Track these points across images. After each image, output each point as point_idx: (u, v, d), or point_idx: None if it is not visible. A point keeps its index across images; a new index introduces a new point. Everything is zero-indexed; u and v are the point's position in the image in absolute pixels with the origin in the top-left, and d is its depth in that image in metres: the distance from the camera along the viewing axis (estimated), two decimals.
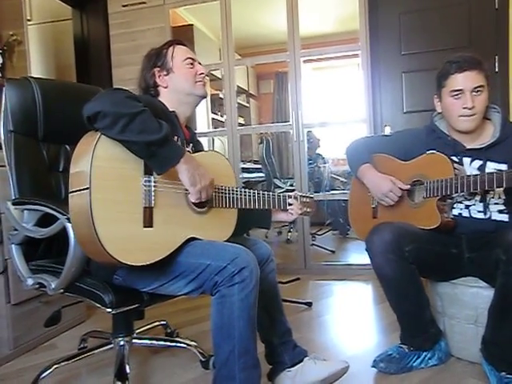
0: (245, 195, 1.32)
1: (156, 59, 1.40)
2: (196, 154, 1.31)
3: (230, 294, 1.09)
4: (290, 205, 1.41)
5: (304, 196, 1.46)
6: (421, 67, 2.79)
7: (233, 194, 1.30)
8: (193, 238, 1.20)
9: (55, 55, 3.61)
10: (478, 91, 1.44)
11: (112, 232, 1.05)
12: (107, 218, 1.05)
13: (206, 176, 1.18)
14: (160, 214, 1.13)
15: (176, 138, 1.30)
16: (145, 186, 1.12)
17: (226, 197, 1.28)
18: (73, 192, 1.06)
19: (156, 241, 1.12)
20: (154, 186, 1.13)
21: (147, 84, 1.40)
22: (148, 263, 1.09)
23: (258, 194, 1.35)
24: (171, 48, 1.41)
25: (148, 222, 1.11)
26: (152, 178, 1.13)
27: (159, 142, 1.08)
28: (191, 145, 1.42)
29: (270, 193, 1.38)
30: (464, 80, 1.44)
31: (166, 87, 1.39)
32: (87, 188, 1.03)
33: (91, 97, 1.10)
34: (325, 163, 4.28)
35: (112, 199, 1.06)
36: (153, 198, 1.13)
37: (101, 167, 1.05)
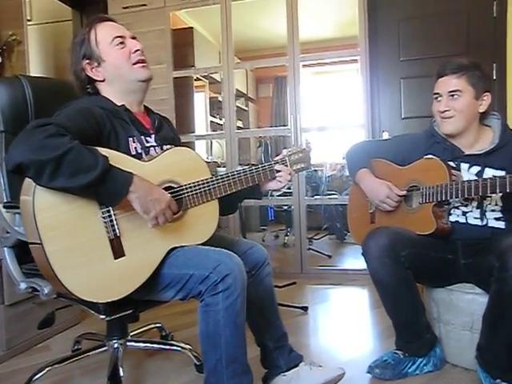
0: (222, 181, 1.20)
1: (81, 49, 1.22)
2: (159, 156, 1.18)
3: (215, 303, 1.07)
4: (277, 171, 1.30)
5: (293, 153, 1.33)
6: (419, 73, 2.80)
7: (207, 185, 1.19)
8: (175, 247, 1.15)
9: (54, 56, 3.61)
10: (453, 95, 1.47)
11: (80, 278, 1.02)
12: (71, 266, 1.01)
13: (161, 199, 1.07)
14: (130, 239, 1.08)
15: (131, 138, 1.21)
16: (104, 218, 1.05)
17: (200, 192, 1.18)
18: (30, 243, 1.03)
19: (132, 268, 1.08)
20: (115, 215, 1.06)
21: (81, 81, 1.25)
22: (130, 292, 1.07)
23: (239, 174, 1.23)
24: (92, 31, 1.21)
25: (119, 253, 1.06)
26: (110, 208, 1.06)
27: (97, 180, 0.98)
28: (153, 135, 1.28)
29: (253, 168, 1.26)
30: (441, 84, 1.51)
31: (102, 80, 1.24)
32: (39, 243, 0.99)
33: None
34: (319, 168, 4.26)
35: (71, 245, 1.02)
36: (117, 227, 1.06)
37: (47, 218, 0.99)
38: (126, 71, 1.23)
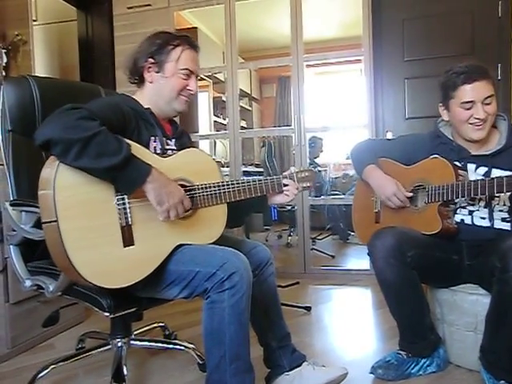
0: (233, 187, 1.24)
1: (156, 50, 1.28)
2: (175, 155, 1.24)
3: (220, 300, 1.08)
4: (285, 185, 1.33)
5: (301, 171, 1.37)
6: (423, 74, 2.79)
7: (218, 189, 1.22)
8: (182, 245, 1.17)
9: (59, 56, 3.63)
10: (488, 101, 1.43)
11: (89, 259, 1.03)
12: (82, 247, 1.03)
13: (175, 193, 1.11)
14: (140, 230, 1.10)
15: (154, 138, 1.26)
16: (118, 205, 1.08)
17: (210, 194, 1.22)
18: (44, 223, 1.04)
19: (140, 258, 1.10)
20: (129, 203, 1.09)
21: (136, 69, 1.31)
22: (134, 282, 1.08)
23: (248, 182, 1.27)
24: (179, 50, 1.29)
25: (128, 241, 1.08)
26: (125, 196, 1.09)
27: (120, 164, 1.03)
28: (174, 140, 1.35)
29: (262, 178, 1.30)
30: (474, 91, 1.43)
31: (150, 82, 1.30)
32: (55, 221, 1.00)
33: (90, 96, 1.09)
34: (323, 167, 4.27)
35: (84, 226, 1.04)
36: (129, 215, 1.09)
37: (66, 197, 1.02)
38: (172, 97, 1.30)
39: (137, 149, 1.12)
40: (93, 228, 1.05)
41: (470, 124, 1.46)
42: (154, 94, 1.31)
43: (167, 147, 1.31)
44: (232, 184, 1.25)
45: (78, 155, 1.00)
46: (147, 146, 1.23)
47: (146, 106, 1.29)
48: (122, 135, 1.14)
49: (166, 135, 1.32)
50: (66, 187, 1.03)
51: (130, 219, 1.09)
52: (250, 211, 1.45)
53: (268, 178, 1.31)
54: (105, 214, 1.07)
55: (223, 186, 1.24)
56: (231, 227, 1.33)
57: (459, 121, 1.49)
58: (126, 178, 1.06)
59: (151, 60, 1.28)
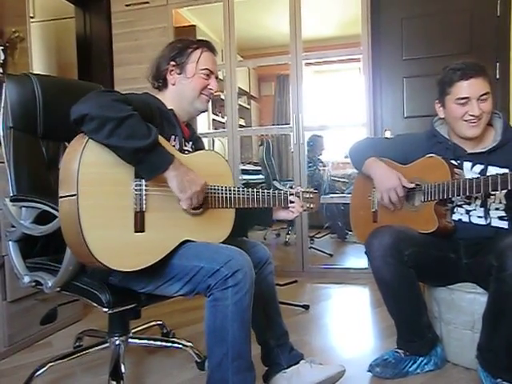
0: (243, 194, 1.28)
1: (177, 54, 1.34)
2: (192, 154, 1.29)
3: (224, 298, 1.09)
4: (291, 202, 1.37)
5: (307, 191, 1.41)
6: (422, 72, 2.79)
7: (230, 193, 1.27)
8: (187, 241, 1.18)
9: (57, 53, 3.62)
10: (483, 98, 1.44)
11: (100, 238, 1.04)
12: (96, 224, 1.04)
13: (197, 182, 1.15)
14: (152, 218, 1.12)
15: (174, 137, 1.30)
16: (135, 190, 1.11)
17: (222, 197, 1.26)
18: (62, 197, 1.05)
19: (147, 245, 1.11)
20: (146, 190, 1.12)
21: (159, 73, 1.37)
22: (138, 268, 1.09)
23: (258, 192, 1.31)
24: (198, 52, 1.35)
25: (139, 227, 1.10)
26: (143, 182, 1.12)
27: (147, 148, 1.06)
28: (191, 143, 1.39)
29: (271, 191, 1.34)
30: (470, 87, 1.43)
31: (173, 84, 1.36)
32: (75, 194, 1.02)
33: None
34: (324, 166, 4.28)
35: (101, 205, 1.06)
36: (144, 202, 1.11)
37: (88, 173, 1.04)
38: (194, 96, 1.35)
39: (162, 140, 1.15)
40: (109, 208, 1.07)
41: (465, 121, 1.46)
42: (177, 95, 1.36)
43: (185, 148, 1.35)
44: (243, 191, 1.29)
45: (110, 133, 1.03)
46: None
47: (168, 107, 1.34)
48: None
49: (184, 137, 1.36)
50: (91, 164, 1.05)
51: (144, 206, 1.11)
52: (254, 222, 1.50)
53: (276, 191, 1.36)
54: (122, 197, 1.09)
55: (234, 191, 1.28)
56: (234, 236, 1.33)
57: (454, 117, 1.49)
58: (151, 163, 1.08)
59: (173, 63, 1.34)
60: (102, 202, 1.06)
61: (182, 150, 1.31)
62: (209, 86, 1.36)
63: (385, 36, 2.89)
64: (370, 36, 2.73)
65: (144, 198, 1.12)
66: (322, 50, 3.13)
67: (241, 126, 3.56)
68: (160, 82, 1.37)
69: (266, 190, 1.34)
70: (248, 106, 5.30)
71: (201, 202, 1.18)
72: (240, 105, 4.16)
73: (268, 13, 3.88)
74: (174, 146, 1.28)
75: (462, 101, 1.45)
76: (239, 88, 3.72)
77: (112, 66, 3.17)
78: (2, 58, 2.68)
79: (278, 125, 5.05)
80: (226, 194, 1.27)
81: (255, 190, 1.31)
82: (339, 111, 5.00)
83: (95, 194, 1.05)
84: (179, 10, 3.19)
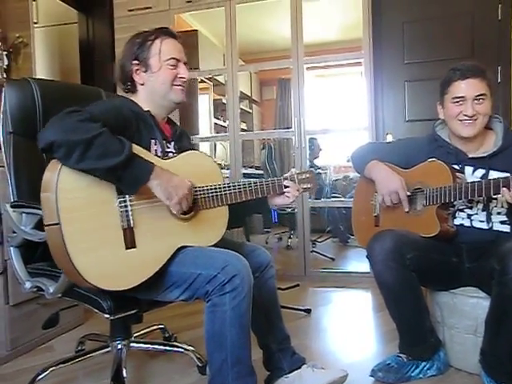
0: (234, 189, 1.25)
1: (138, 50, 1.28)
2: (175, 157, 1.25)
3: (222, 303, 1.08)
4: (286, 187, 1.33)
5: (302, 173, 1.37)
6: (423, 76, 2.79)
7: (219, 191, 1.23)
8: (183, 246, 1.17)
9: (60, 58, 3.64)
10: (479, 99, 1.45)
11: (90, 262, 1.04)
12: (84, 249, 1.03)
13: (182, 185, 1.13)
14: (142, 232, 1.11)
15: (154, 140, 1.26)
16: (120, 207, 1.09)
17: (211, 196, 1.23)
18: (46, 225, 1.05)
19: (142, 260, 1.10)
20: (131, 205, 1.10)
21: (125, 76, 1.31)
22: (137, 284, 1.08)
23: (249, 184, 1.28)
24: (158, 42, 1.28)
25: (130, 243, 1.09)
26: (127, 198, 1.10)
27: (122, 164, 1.03)
28: (173, 143, 1.34)
29: (263, 180, 1.30)
30: (466, 87, 1.45)
31: (142, 84, 1.30)
32: (57, 223, 1.01)
33: (92, 98, 1.08)
34: (321, 169, 4.27)
35: (87, 228, 1.04)
36: (131, 217, 1.10)
37: (68, 199, 1.03)
38: (166, 89, 1.29)
39: (138, 150, 1.12)
40: (95, 230, 1.06)
41: (460, 121, 1.48)
42: (149, 93, 1.31)
43: (167, 150, 1.31)
44: (233, 186, 1.25)
45: (81, 157, 1.01)
46: (148, 149, 1.23)
47: (145, 109, 1.30)
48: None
49: (165, 138, 1.32)
50: (69, 190, 1.04)
51: (131, 221, 1.10)
52: (250, 212, 1.46)
53: (269, 179, 1.32)
54: (107, 216, 1.07)
55: (224, 188, 1.24)
56: (231, 228, 1.32)
57: (449, 116, 1.51)
58: (130, 177, 1.06)
59: (136, 62, 1.29)
60: (88, 226, 1.05)
61: (164, 153, 1.28)
62: (179, 75, 1.29)
63: (386, 40, 2.89)
64: (371, 40, 2.74)
65: (130, 213, 1.10)
66: (323, 54, 3.13)
67: (242, 130, 3.57)
68: (128, 84, 1.32)
69: (258, 181, 1.29)
70: (250, 110, 5.31)
71: (191, 204, 1.16)
72: (242, 109, 4.17)
73: (269, 17, 3.90)
74: (155, 150, 1.26)
75: (458, 100, 1.47)
76: (241, 92, 3.74)
77: (114, 71, 3.18)
78: (6, 63, 2.71)
79: (279, 129, 5.06)
80: (216, 192, 1.23)
81: (246, 182, 1.28)
82: (341, 115, 5.01)
83: (79, 219, 1.04)
84: (181, 14, 3.21)
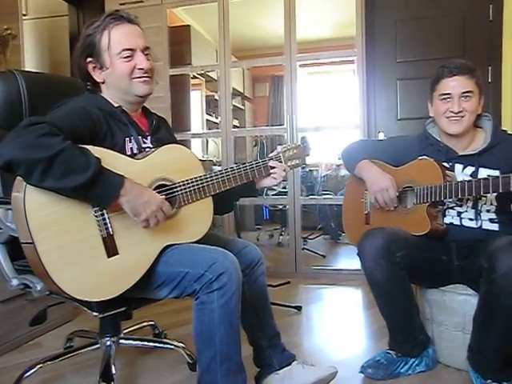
0: (216, 178, 1.20)
1: (89, 46, 1.18)
2: (152, 153, 1.17)
3: (210, 301, 1.07)
4: (272, 167, 1.29)
5: (288, 149, 1.32)
6: (415, 75, 2.81)
7: (201, 183, 1.18)
8: (169, 245, 1.15)
9: (50, 51, 3.59)
10: (466, 96, 1.46)
11: (72, 277, 1.01)
12: (64, 265, 1.00)
13: (151, 201, 1.05)
14: (123, 238, 1.08)
15: (128, 138, 1.20)
16: (97, 216, 1.04)
17: (193, 190, 1.17)
18: (22, 243, 1.02)
19: (126, 266, 1.08)
20: (108, 213, 1.06)
21: (83, 75, 1.22)
22: (124, 290, 1.07)
23: (232, 170, 1.22)
24: (106, 34, 1.16)
25: (112, 251, 1.06)
26: None
27: (88, 182, 0.97)
28: (149, 137, 1.27)
29: (247, 164, 1.25)
30: (453, 85, 1.47)
31: (102, 82, 1.22)
32: (31, 243, 0.98)
33: (78, 90, 1.03)
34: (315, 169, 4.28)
35: (64, 244, 1.01)
36: (109, 225, 1.06)
37: (39, 218, 0.98)
38: (125, 84, 1.20)
39: (108, 155, 1.06)
40: (73, 244, 1.02)
41: (447, 118, 1.50)
42: (112, 90, 1.22)
43: (144, 146, 1.24)
44: (216, 175, 1.20)
45: (42, 176, 0.94)
46: (123, 148, 1.18)
47: (116, 105, 1.22)
48: (93, 141, 1.09)
49: (141, 133, 1.25)
50: (38, 208, 0.98)
51: (110, 229, 1.06)
52: (238, 196, 1.39)
53: (253, 162, 1.26)
54: (84, 228, 1.04)
55: (206, 178, 1.19)
56: (221, 213, 1.30)
57: (437, 113, 1.53)
58: (98, 195, 1.01)
59: (89, 59, 1.20)
60: (64, 241, 1.01)
61: (140, 150, 1.21)
62: (137, 67, 1.18)
63: (379, 38, 2.90)
64: (364, 38, 2.74)
65: (108, 221, 1.05)
66: (316, 52, 3.13)
67: (235, 127, 3.56)
68: (89, 86, 1.23)
69: (241, 165, 1.24)
70: (242, 107, 5.29)
71: (161, 220, 1.08)
72: (234, 105, 4.16)
73: (263, 14, 3.89)
74: (130, 148, 1.20)
75: (445, 97, 1.49)
76: (233, 89, 3.72)
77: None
78: None
79: (272, 126, 5.06)
80: (197, 184, 1.18)
81: (229, 168, 1.23)
82: (333, 113, 5.02)
83: (53, 236, 0.99)
84: (174, 9, 3.17)
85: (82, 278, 1.02)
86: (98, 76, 1.21)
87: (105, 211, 1.06)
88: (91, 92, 1.25)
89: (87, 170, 0.97)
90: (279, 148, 1.33)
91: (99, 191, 1.00)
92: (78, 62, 1.22)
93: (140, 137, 1.24)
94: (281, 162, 1.31)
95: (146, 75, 1.20)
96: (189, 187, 1.18)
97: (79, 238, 1.03)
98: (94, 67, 1.21)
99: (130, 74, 1.19)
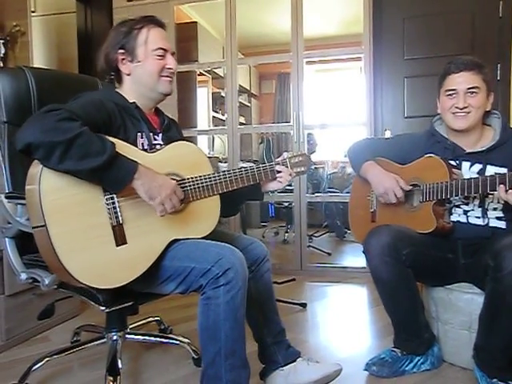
0: (224, 178, 1.22)
1: (124, 39, 1.24)
2: (162, 149, 1.21)
3: (216, 296, 1.08)
4: (278, 172, 1.31)
5: (294, 156, 1.34)
6: (423, 72, 2.79)
7: (209, 181, 1.21)
8: (176, 240, 1.16)
9: (58, 47, 3.60)
10: (472, 92, 1.45)
11: (81, 262, 1.02)
12: (73, 250, 1.02)
13: (166, 185, 1.09)
14: (132, 228, 1.09)
15: (140, 134, 1.24)
16: (107, 204, 1.07)
17: (202, 187, 1.20)
18: (33, 228, 1.03)
19: (134, 256, 1.09)
20: (119, 201, 1.08)
21: (109, 66, 1.27)
22: (131, 280, 1.08)
23: (240, 171, 1.25)
24: (144, 31, 1.24)
25: (121, 240, 1.07)
26: (114, 195, 1.08)
27: (104, 165, 1.00)
28: (161, 135, 1.31)
29: (254, 166, 1.27)
30: (459, 80, 1.47)
31: (128, 74, 1.27)
32: (43, 225, 0.99)
33: (86, 87, 1.04)
34: (321, 166, 4.27)
35: (75, 229, 1.03)
36: (120, 214, 1.08)
37: (52, 201, 1.00)
38: (153, 80, 1.26)
39: (122, 146, 1.09)
40: (83, 230, 1.04)
41: (452, 113, 1.49)
42: (136, 84, 1.27)
43: (154, 142, 1.27)
44: (224, 174, 1.23)
45: (61, 158, 0.98)
46: (134, 143, 1.21)
47: (130, 101, 1.26)
48: (107, 134, 1.11)
49: (152, 130, 1.29)
50: (52, 191, 1.01)
51: (120, 218, 1.08)
52: (244, 199, 1.42)
53: (260, 165, 1.29)
54: (94, 215, 1.05)
55: (214, 177, 1.22)
56: (226, 216, 1.31)
57: (443, 109, 1.53)
58: (113, 178, 1.04)
59: (121, 51, 1.25)
60: (75, 226, 1.03)
61: (151, 146, 1.25)
62: (166, 66, 1.26)
63: (386, 35, 2.88)
64: (371, 35, 2.72)
65: (118, 210, 1.08)
66: (323, 49, 3.12)
67: (241, 124, 3.56)
68: (112, 74, 1.28)
69: (249, 167, 1.26)
70: (248, 104, 5.30)
71: (176, 205, 1.11)
72: (240, 102, 4.16)
73: (270, 10, 3.88)
74: (142, 143, 1.23)
75: (451, 92, 1.48)
76: (240, 86, 3.72)
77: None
78: (3, 51, 2.68)
79: (278, 123, 5.05)
80: (206, 182, 1.20)
81: (237, 169, 1.25)
82: (339, 110, 5.00)
83: (65, 220, 1.01)
84: (181, 6, 3.18)
85: (90, 264, 1.04)
86: (125, 67, 1.26)
87: (116, 200, 1.08)
88: (111, 82, 1.30)
89: (104, 153, 1.01)
90: (285, 154, 1.35)
91: (115, 174, 1.03)
92: (108, 52, 1.26)
93: (151, 133, 1.28)
94: (287, 166, 1.34)
95: (171, 76, 1.29)
96: (198, 183, 1.20)
97: (90, 225, 1.05)
98: (124, 59, 1.25)
99: (160, 71, 1.25)
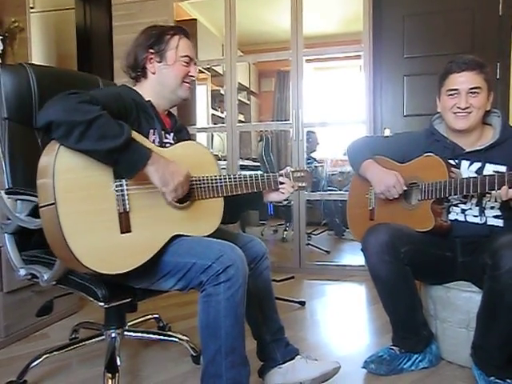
0: (230, 182, 1.26)
1: (155, 41, 1.31)
2: (172, 147, 1.26)
3: (216, 293, 1.08)
4: (281, 183, 1.34)
5: (297, 171, 1.38)
6: (423, 71, 2.79)
7: (215, 182, 1.24)
8: (178, 235, 1.17)
9: (57, 44, 3.59)
10: (473, 92, 1.45)
11: (85, 244, 1.03)
12: (79, 231, 1.03)
13: (179, 171, 1.14)
14: (138, 217, 1.11)
15: (152, 130, 1.27)
16: (117, 191, 1.09)
17: (207, 187, 1.23)
18: (41, 207, 1.04)
19: (136, 245, 1.10)
20: (127, 190, 1.10)
21: (137, 63, 1.32)
22: (130, 269, 1.08)
23: (245, 177, 1.29)
24: (176, 38, 1.33)
25: (125, 228, 1.09)
26: (124, 182, 1.09)
27: (121, 147, 1.04)
28: (172, 134, 1.36)
29: (259, 174, 1.31)
30: (461, 80, 1.46)
31: (153, 73, 1.32)
32: (53, 203, 1.00)
33: (88, 86, 1.07)
34: (318, 163, 4.28)
35: (82, 210, 1.04)
36: (127, 202, 1.09)
37: (65, 180, 1.02)
38: (176, 84, 1.33)
39: (136, 136, 1.12)
40: (91, 212, 1.05)
41: (453, 113, 1.49)
42: (158, 83, 1.33)
43: (165, 141, 1.32)
44: (229, 178, 1.26)
45: (80, 137, 1.01)
46: (146, 138, 1.23)
47: (146, 99, 1.30)
48: None
49: (164, 129, 1.33)
50: (66, 170, 1.03)
51: (127, 206, 1.10)
52: (245, 207, 1.47)
53: (265, 174, 1.33)
54: (103, 200, 1.07)
55: (220, 179, 1.25)
56: (226, 223, 1.33)
57: (444, 108, 1.52)
58: (128, 161, 1.06)
59: (152, 51, 1.31)
60: (83, 207, 1.04)
61: (162, 144, 1.29)
62: (190, 73, 1.34)
63: (386, 33, 2.88)
64: (371, 33, 2.72)
65: (126, 197, 1.09)
66: (322, 47, 3.12)
67: (240, 122, 3.56)
68: (139, 71, 1.33)
69: (254, 175, 1.30)
70: (248, 102, 5.29)
71: (186, 192, 1.16)
72: (240, 100, 4.15)
73: (269, 8, 3.87)
74: (153, 140, 1.26)
75: (452, 92, 1.48)
76: (239, 83, 3.72)
77: (112, 59, 3.15)
78: (1, 48, 2.67)
79: (277, 121, 5.05)
80: (212, 183, 1.24)
81: (242, 175, 1.29)
82: (339, 108, 5.00)
83: (75, 200, 1.03)
84: (180, 3, 3.17)
85: (93, 247, 1.04)
86: (152, 66, 1.32)
87: (125, 187, 1.10)
88: (135, 78, 1.35)
89: (121, 135, 1.04)
90: (288, 168, 1.39)
91: (130, 157, 1.06)
92: (137, 50, 1.32)
93: (163, 132, 1.32)
94: (290, 180, 1.36)
95: (192, 83, 1.37)
96: (204, 183, 1.23)
97: (97, 208, 1.06)
98: (152, 59, 1.31)
99: (184, 77, 1.33)
